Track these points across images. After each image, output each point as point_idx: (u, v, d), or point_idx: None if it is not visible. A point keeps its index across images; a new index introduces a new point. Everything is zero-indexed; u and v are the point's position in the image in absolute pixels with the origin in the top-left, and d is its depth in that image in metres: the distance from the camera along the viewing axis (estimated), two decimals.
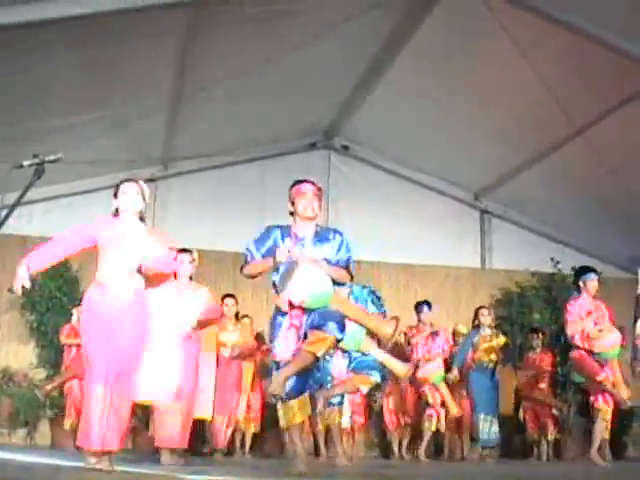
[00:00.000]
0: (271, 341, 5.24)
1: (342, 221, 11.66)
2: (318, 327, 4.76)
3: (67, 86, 8.65)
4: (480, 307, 9.98)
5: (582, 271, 8.25)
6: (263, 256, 5.18)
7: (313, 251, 5.16)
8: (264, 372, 9.99)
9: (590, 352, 7.74)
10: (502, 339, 9.65)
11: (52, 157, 4.12)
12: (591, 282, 8.02)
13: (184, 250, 7.22)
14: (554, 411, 9.99)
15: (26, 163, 4.05)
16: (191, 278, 7.22)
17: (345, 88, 10.56)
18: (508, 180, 11.88)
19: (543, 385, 9.89)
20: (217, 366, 8.22)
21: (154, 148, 11.01)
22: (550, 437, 9.93)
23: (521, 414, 10.08)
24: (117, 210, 5.21)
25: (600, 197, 11.10)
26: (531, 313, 11.71)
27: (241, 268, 5.30)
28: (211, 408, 7.72)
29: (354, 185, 12.18)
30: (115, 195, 5.24)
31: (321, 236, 5.28)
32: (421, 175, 12.47)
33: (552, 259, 11.90)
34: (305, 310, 4.91)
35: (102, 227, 5.12)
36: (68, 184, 10.74)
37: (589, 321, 7.86)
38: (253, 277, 5.29)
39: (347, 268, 5.22)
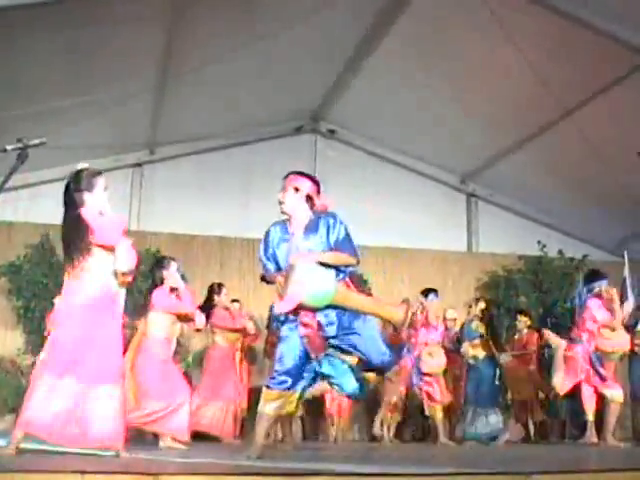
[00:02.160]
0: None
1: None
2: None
3: (52, 70, 8.60)
4: (477, 298, 9.91)
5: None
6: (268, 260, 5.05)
7: (302, 244, 4.95)
8: (251, 357, 10.03)
9: None
10: (482, 326, 9.55)
11: (36, 141, 4.09)
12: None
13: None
14: (540, 393, 10.01)
15: (9, 147, 4.02)
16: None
17: (331, 72, 10.53)
18: (495, 163, 11.90)
19: (530, 367, 9.91)
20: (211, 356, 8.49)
21: (140, 133, 10.98)
22: (536, 418, 9.97)
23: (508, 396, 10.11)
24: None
25: (586, 180, 11.13)
26: (517, 296, 11.77)
27: (262, 278, 5.23)
28: None
29: (340, 169, 12.15)
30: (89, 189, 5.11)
31: (311, 227, 5.04)
32: (408, 159, 12.48)
33: (539, 242, 11.96)
34: (315, 313, 4.80)
35: None
36: (54, 169, 10.68)
37: None
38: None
39: (346, 250, 4.93)
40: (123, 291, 5.35)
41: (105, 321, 5.00)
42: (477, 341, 9.39)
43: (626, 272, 9.84)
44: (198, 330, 7.80)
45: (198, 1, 8.03)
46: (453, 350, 9.55)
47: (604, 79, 9.10)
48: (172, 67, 9.21)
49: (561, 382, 8.01)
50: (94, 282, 4.99)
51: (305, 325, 4.82)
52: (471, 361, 9.36)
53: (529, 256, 12.07)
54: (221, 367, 8.76)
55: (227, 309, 8.85)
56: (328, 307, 4.79)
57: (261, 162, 11.90)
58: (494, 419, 9.27)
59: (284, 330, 4.94)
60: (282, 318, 4.99)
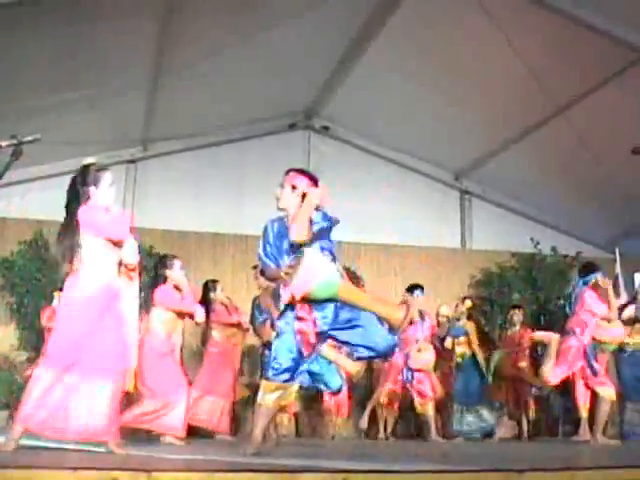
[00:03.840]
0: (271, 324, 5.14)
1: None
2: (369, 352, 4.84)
3: (45, 66, 8.56)
4: (465, 297, 9.93)
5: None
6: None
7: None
8: (249, 352, 10.03)
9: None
10: (469, 324, 9.59)
11: (30, 137, 4.10)
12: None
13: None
14: (534, 390, 10.01)
15: (3, 144, 4.02)
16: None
17: (325, 68, 10.52)
18: (488, 160, 11.91)
19: (523, 364, 9.90)
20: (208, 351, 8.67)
21: (134, 129, 10.96)
22: (530, 416, 9.98)
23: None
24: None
25: (579, 177, 11.16)
26: (511, 293, 11.78)
27: (262, 273, 5.34)
28: None
29: (334, 166, 12.12)
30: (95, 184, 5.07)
31: None
32: (401, 155, 12.47)
33: (532, 239, 11.97)
34: (312, 307, 4.81)
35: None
36: (47, 165, 10.66)
37: None
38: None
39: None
40: (132, 288, 5.38)
41: (104, 317, 5.01)
42: (462, 339, 9.48)
43: (618, 269, 9.88)
44: (198, 324, 7.90)
45: None
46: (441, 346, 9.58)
47: (597, 76, 9.13)
48: (165, 63, 9.19)
49: (550, 371, 7.99)
50: (94, 278, 4.99)
51: (300, 319, 4.82)
52: (458, 359, 9.43)
53: (522, 253, 12.08)
54: (219, 362, 8.75)
55: (224, 304, 8.84)
56: (326, 301, 4.78)
57: (255, 158, 11.89)
58: (486, 415, 9.30)
59: (280, 324, 4.94)
60: (282, 311, 5.00)
